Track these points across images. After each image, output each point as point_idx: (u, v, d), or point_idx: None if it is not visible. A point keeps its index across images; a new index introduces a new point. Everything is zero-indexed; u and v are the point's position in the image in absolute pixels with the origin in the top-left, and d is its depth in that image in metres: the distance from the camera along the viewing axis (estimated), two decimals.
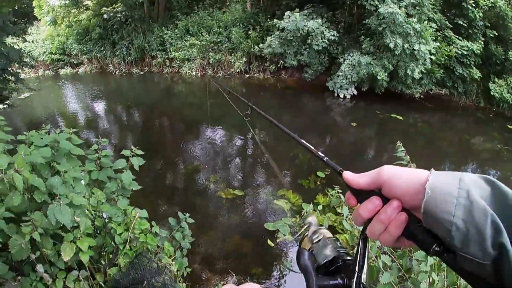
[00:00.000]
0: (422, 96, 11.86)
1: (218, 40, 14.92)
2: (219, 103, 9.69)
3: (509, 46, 11.65)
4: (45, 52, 18.66)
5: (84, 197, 2.19)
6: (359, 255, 0.57)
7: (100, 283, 2.35)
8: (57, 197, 2.00)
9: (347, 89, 11.40)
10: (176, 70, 16.01)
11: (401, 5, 10.11)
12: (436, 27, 11.18)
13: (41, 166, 2.18)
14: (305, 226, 0.73)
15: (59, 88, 15.55)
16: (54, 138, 2.30)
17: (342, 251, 0.64)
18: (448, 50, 11.01)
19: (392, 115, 10.09)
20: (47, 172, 2.23)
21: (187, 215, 2.97)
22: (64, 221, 1.92)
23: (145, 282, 2.12)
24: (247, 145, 7.90)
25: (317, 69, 12.45)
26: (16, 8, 8.08)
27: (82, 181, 2.38)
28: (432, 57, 10.55)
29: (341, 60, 11.57)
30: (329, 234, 0.69)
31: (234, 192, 5.55)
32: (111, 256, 2.42)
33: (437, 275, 2.01)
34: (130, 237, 2.43)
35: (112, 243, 2.42)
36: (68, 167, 2.25)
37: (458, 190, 0.45)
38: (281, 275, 3.92)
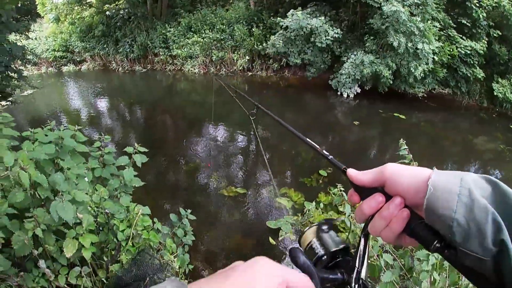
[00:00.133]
0: (425, 96, 11.81)
1: (221, 37, 14.90)
2: (223, 101, 9.69)
3: None
4: (48, 49, 18.72)
5: (86, 193, 2.20)
6: (359, 251, 0.57)
7: (102, 279, 2.36)
8: (60, 193, 2.01)
9: (350, 88, 11.37)
10: (179, 68, 16.01)
11: (405, 3, 10.07)
12: (439, 26, 11.12)
13: (45, 162, 2.19)
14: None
15: (62, 85, 15.60)
16: (59, 135, 2.31)
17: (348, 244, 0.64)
18: (451, 50, 10.97)
19: (395, 114, 10.06)
20: (51, 169, 2.24)
21: (189, 211, 2.97)
22: (67, 217, 1.92)
23: (147, 278, 2.13)
24: (250, 144, 7.90)
25: (319, 67, 12.42)
26: (19, 5, 8.10)
27: (86, 178, 2.40)
28: (435, 57, 10.51)
29: (344, 58, 11.54)
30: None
31: (236, 190, 5.56)
32: (113, 252, 2.43)
33: (439, 274, 2.01)
34: (133, 233, 2.44)
35: (115, 239, 2.43)
36: (72, 164, 2.26)
37: (459, 188, 0.46)
38: None
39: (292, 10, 11.79)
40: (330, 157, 0.72)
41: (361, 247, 0.57)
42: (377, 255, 2.13)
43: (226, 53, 14.87)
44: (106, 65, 18.09)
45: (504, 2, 11.16)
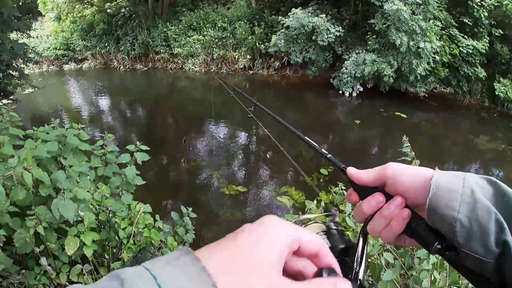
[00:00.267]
0: (426, 95, 11.78)
1: (223, 36, 14.88)
2: (223, 99, 9.69)
3: None
4: (49, 48, 18.70)
5: (88, 191, 2.21)
6: (358, 252, 0.56)
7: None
8: (62, 191, 2.01)
9: (352, 87, 11.36)
10: (180, 66, 16.00)
11: (406, 2, 10.04)
12: (441, 25, 11.09)
13: (47, 160, 2.19)
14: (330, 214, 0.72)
15: (63, 83, 15.59)
16: (62, 133, 2.32)
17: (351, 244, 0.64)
18: (452, 49, 10.94)
19: (396, 113, 10.05)
20: (54, 167, 2.24)
21: (190, 209, 2.98)
22: (68, 215, 1.93)
23: None
24: (251, 142, 7.90)
25: (321, 66, 12.40)
26: (21, 4, 8.09)
27: (88, 177, 2.40)
28: (436, 56, 10.49)
29: (346, 57, 11.52)
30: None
31: (237, 188, 5.56)
32: (114, 250, 2.44)
33: (439, 273, 2.01)
34: (134, 231, 2.44)
35: (116, 237, 2.43)
36: (75, 162, 2.26)
37: (462, 188, 0.46)
38: None
39: (293, 9, 11.78)
40: (329, 155, 0.71)
41: (359, 247, 0.57)
42: (378, 254, 2.13)
43: (227, 52, 14.85)
44: (107, 64, 18.08)
45: (506, 1, 11.13)
